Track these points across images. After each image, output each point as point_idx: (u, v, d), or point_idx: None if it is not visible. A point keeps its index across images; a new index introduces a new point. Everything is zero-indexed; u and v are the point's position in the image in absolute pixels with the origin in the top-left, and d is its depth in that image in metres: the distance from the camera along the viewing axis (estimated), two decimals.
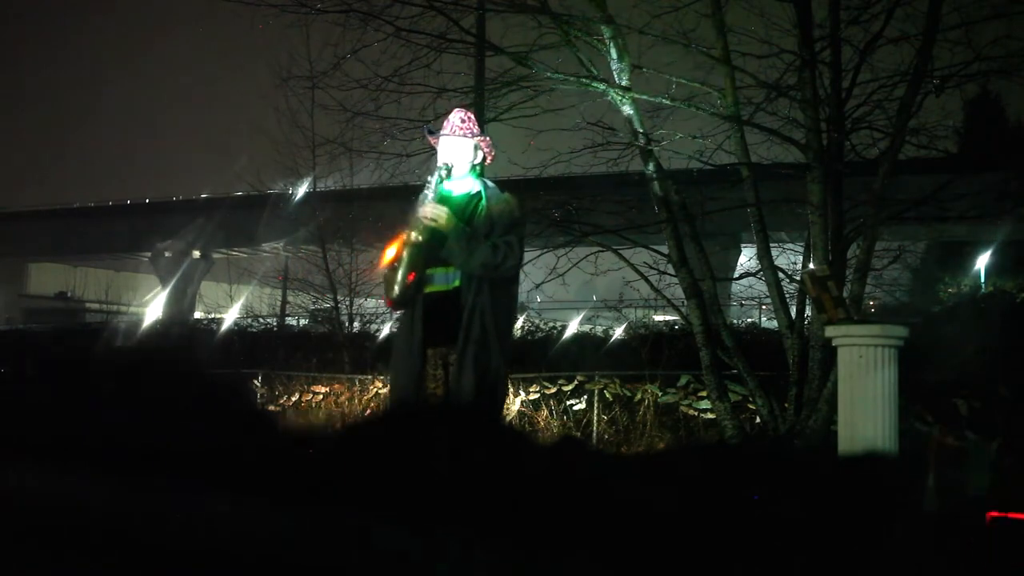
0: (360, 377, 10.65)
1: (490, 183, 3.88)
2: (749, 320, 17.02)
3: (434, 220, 3.61)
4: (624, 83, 6.86)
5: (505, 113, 7.36)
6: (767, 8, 7.01)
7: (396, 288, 3.58)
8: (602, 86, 6.91)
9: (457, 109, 4.04)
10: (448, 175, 3.81)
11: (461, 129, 3.88)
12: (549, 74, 6.91)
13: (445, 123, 3.93)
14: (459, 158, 3.85)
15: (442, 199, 3.76)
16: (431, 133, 4.02)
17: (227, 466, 1.37)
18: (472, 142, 3.88)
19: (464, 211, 3.73)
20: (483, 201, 3.76)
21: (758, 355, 7.37)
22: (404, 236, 3.64)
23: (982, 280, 14.05)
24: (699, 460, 1.75)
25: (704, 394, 7.79)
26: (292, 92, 12.20)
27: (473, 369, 3.49)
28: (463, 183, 3.85)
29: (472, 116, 4.00)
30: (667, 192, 7.02)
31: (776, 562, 1.23)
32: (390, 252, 3.64)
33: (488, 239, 3.63)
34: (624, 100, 6.90)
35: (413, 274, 3.60)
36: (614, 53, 6.86)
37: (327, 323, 14.42)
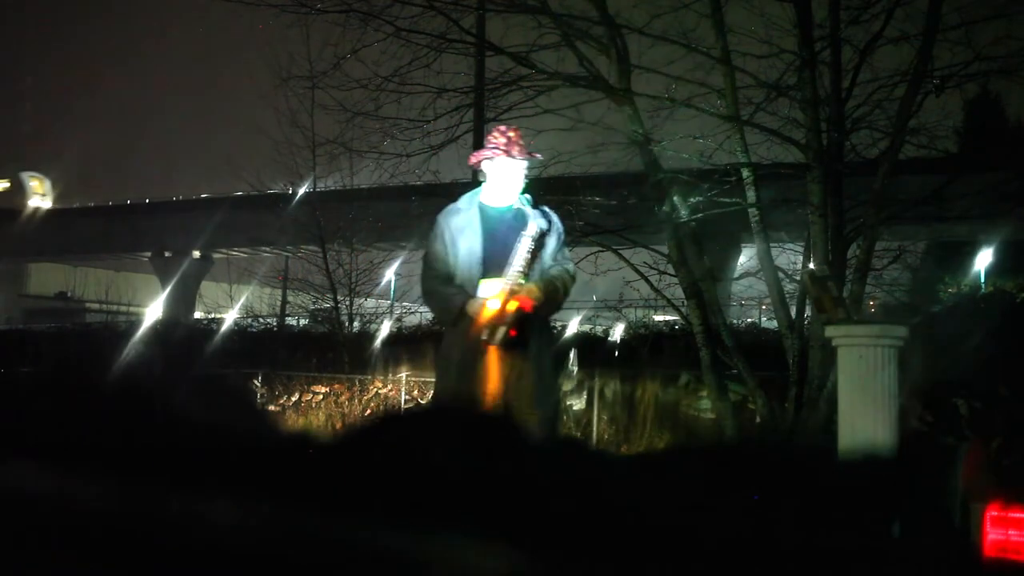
0: (360, 377, 10.66)
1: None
2: (749, 320, 17.05)
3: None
4: (624, 84, 6.85)
5: (505, 113, 7.35)
6: (767, 8, 7.02)
7: (499, 340, 3.68)
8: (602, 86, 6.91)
9: (510, 128, 3.96)
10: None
11: (525, 151, 3.87)
12: (549, 74, 6.91)
13: (510, 145, 3.84)
14: (520, 179, 3.87)
15: (487, 215, 3.84)
16: (506, 153, 3.85)
17: (227, 465, 1.37)
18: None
19: (511, 227, 3.79)
20: (527, 218, 3.80)
21: (758, 355, 7.36)
22: (508, 292, 3.70)
23: (982, 280, 14.04)
24: (699, 460, 1.75)
25: (704, 394, 7.79)
26: (292, 92, 12.20)
27: (550, 370, 3.84)
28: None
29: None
30: (667, 192, 7.02)
31: (776, 562, 1.23)
32: (493, 304, 3.72)
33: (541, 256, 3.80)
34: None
35: (515, 331, 3.71)
36: (614, 53, 6.86)
37: (327, 323, 14.42)
